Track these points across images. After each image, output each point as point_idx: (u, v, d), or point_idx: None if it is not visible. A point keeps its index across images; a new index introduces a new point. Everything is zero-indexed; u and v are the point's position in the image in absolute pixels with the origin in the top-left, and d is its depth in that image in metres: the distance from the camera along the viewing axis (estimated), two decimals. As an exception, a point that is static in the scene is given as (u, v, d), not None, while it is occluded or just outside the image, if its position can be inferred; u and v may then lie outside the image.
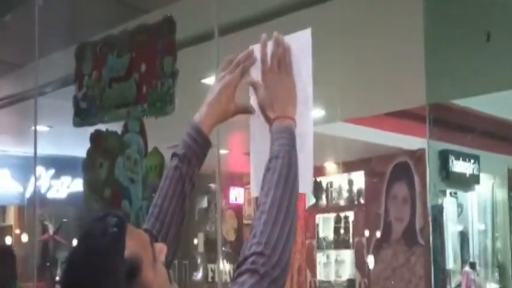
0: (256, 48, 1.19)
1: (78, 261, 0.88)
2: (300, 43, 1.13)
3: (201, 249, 8.99)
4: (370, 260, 6.96)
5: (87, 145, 2.70)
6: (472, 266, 6.61)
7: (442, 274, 6.08)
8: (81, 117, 2.67)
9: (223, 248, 8.06)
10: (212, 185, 8.00)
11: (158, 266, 0.91)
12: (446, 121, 5.01)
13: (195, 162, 1.14)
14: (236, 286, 0.87)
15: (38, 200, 5.54)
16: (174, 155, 1.15)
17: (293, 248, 0.94)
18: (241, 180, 8.34)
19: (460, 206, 6.84)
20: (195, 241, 9.00)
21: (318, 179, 7.45)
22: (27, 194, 6.56)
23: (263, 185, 0.98)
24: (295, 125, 1.05)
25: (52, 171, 6.52)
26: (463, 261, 6.68)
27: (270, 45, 1.13)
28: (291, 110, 1.07)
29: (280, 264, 0.89)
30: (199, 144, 1.14)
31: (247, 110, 1.17)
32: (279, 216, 0.93)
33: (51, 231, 7.42)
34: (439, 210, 6.14)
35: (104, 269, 0.85)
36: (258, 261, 0.88)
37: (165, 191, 1.13)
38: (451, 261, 6.47)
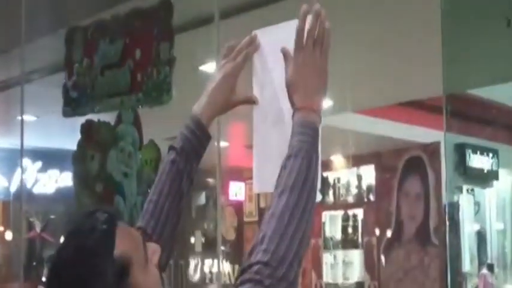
0: (260, 34, 1.19)
1: (64, 259, 0.88)
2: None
3: (198, 248, 9.02)
4: (380, 262, 6.98)
5: (77, 136, 2.71)
6: (490, 268, 6.64)
7: (458, 277, 6.11)
8: (72, 107, 2.68)
9: (223, 248, 8.09)
10: (210, 180, 8.02)
11: (150, 267, 0.91)
12: (464, 113, 5.02)
13: (193, 156, 1.14)
14: None
15: (22, 195, 5.56)
16: (171, 148, 1.14)
17: (303, 259, 0.93)
18: (241, 174, 8.36)
19: (477, 204, 6.86)
20: (192, 240, 9.03)
21: (325, 174, 7.45)
22: (12, 189, 6.58)
23: (278, 183, 0.96)
24: (320, 120, 1.02)
25: (39, 164, 6.54)
26: (480, 263, 6.70)
27: (308, 20, 1.05)
28: (318, 101, 1.03)
29: (287, 278, 0.87)
30: (198, 137, 1.14)
31: (250, 101, 1.17)
32: (291, 224, 0.91)
33: (37, 228, 7.45)
34: (455, 208, 6.16)
35: (91, 268, 0.85)
36: (263, 272, 0.87)
37: (160, 187, 1.12)
38: (467, 263, 6.49)
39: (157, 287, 0.92)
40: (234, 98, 1.16)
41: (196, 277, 9.06)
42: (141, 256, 0.90)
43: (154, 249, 0.95)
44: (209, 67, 3.65)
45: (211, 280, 8.84)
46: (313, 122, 1.01)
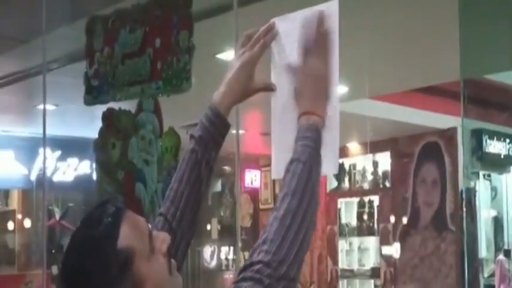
0: (278, 22, 1.20)
1: (73, 248, 0.94)
2: (327, 15, 1.13)
3: (214, 235, 9.10)
4: (397, 248, 7.00)
5: (95, 125, 2.76)
6: (507, 254, 6.62)
7: (474, 263, 6.11)
8: (93, 95, 2.73)
9: (240, 235, 8.14)
10: (226, 168, 8.07)
11: (156, 257, 0.94)
12: (480, 98, 4.99)
13: (212, 145, 1.16)
14: None
15: (44, 183, 5.66)
16: (191, 137, 1.17)
17: (304, 260, 0.98)
18: (257, 162, 8.40)
19: (494, 190, 6.83)
20: (208, 227, 9.12)
21: (340, 161, 7.45)
22: (33, 177, 6.68)
23: (282, 186, 1.00)
24: (323, 123, 1.05)
25: (58, 153, 6.62)
26: (497, 249, 6.69)
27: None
28: (321, 105, 1.06)
29: (286, 277, 0.92)
30: (217, 126, 1.16)
31: (268, 88, 1.19)
32: (292, 227, 0.96)
33: (57, 216, 7.57)
34: (471, 194, 6.14)
35: (95, 258, 0.90)
36: (263, 271, 0.91)
37: (180, 175, 1.15)
38: (483, 249, 6.48)
39: (164, 275, 0.94)
40: (252, 86, 1.18)
41: (213, 264, 9.15)
42: (145, 247, 0.93)
43: (163, 238, 0.97)
44: (226, 55, 3.67)
45: (227, 267, 8.93)
46: (315, 125, 1.04)
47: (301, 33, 1.10)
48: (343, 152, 7.33)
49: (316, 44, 1.08)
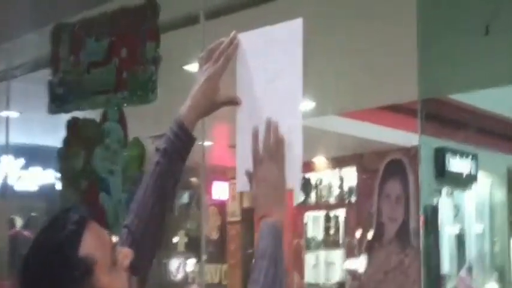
0: (243, 37, 1.22)
1: (32, 253, 0.93)
2: (290, 33, 1.17)
3: (181, 248, 9.03)
4: (361, 262, 7.06)
5: (59, 133, 2.74)
6: (469, 270, 6.75)
7: (437, 278, 6.21)
8: (57, 104, 2.71)
9: (206, 248, 8.10)
10: (194, 179, 8.03)
11: (117, 270, 0.94)
12: (443, 117, 5.11)
13: (176, 158, 1.17)
14: None
15: (5, 192, 5.53)
16: (156, 149, 1.19)
17: None
18: (224, 174, 8.39)
19: (456, 207, 6.97)
20: (175, 239, 9.04)
21: (307, 175, 7.53)
22: (-6, 186, 6.52)
23: (251, 282, 1.04)
24: (282, 223, 1.09)
25: (21, 161, 6.50)
26: (459, 265, 6.81)
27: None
28: (278, 210, 1.10)
29: None
30: (182, 139, 1.17)
31: (233, 101, 1.21)
32: None
33: (18, 226, 7.41)
34: (433, 211, 6.26)
35: (55, 264, 0.89)
36: None
37: (144, 187, 1.16)
38: (446, 265, 6.59)
39: None
40: (217, 100, 1.20)
41: (179, 276, 9.07)
42: (107, 258, 0.93)
43: (125, 254, 0.98)
44: (193, 67, 3.69)
45: (193, 280, 8.85)
46: (273, 224, 1.08)
47: (257, 142, 1.13)
48: (310, 167, 7.39)
49: (271, 151, 1.11)
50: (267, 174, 1.11)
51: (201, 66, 1.23)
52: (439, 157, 6.36)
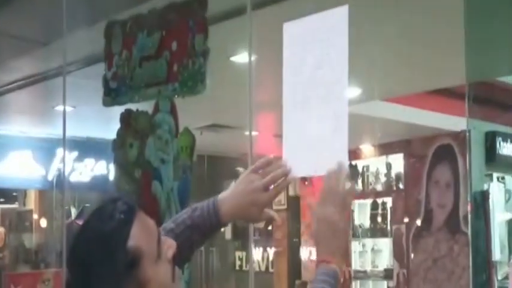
0: (291, 25, 1.22)
1: (81, 240, 0.93)
2: (336, 20, 1.18)
3: (228, 236, 9.18)
4: (409, 249, 7.02)
5: (111, 126, 2.86)
6: (521, 257, 6.60)
7: (487, 265, 6.11)
8: (111, 97, 2.83)
9: (253, 236, 8.22)
10: (240, 169, 8.14)
11: (162, 262, 0.94)
12: (492, 100, 5.01)
13: (200, 231, 1.18)
14: None
15: (63, 183, 5.77)
16: (192, 208, 1.19)
17: None
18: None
19: (508, 192, 6.82)
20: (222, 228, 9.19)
21: (353, 163, 7.51)
22: (50, 177, 6.81)
23: None
24: (341, 271, 1.07)
25: (75, 154, 6.74)
26: (511, 252, 6.67)
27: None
28: (338, 257, 1.07)
29: None
30: (212, 223, 1.17)
31: (271, 219, 1.23)
32: None
33: (73, 216, 7.71)
34: (484, 196, 6.14)
35: (103, 253, 0.89)
36: None
37: (180, 221, 1.17)
38: (497, 252, 6.47)
39: (167, 282, 0.95)
40: (256, 212, 1.19)
41: (227, 264, 9.23)
42: (153, 250, 0.93)
43: (170, 245, 0.98)
44: (239, 58, 3.75)
45: (240, 267, 8.99)
46: (333, 271, 1.06)
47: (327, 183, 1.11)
48: (357, 154, 7.37)
49: (338, 199, 1.09)
50: (330, 219, 1.08)
51: (248, 170, 1.21)
52: (490, 141, 6.22)
